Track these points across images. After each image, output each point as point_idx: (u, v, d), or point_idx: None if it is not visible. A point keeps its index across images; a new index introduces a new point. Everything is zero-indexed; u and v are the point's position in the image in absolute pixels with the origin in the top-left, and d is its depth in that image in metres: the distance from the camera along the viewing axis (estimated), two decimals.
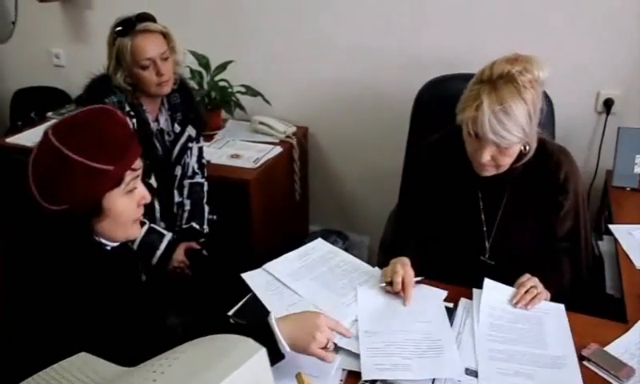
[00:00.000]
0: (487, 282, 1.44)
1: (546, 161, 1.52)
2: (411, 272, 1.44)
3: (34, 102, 2.95)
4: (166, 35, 1.85)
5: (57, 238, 1.08)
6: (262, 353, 0.72)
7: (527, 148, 1.45)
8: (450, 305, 1.43)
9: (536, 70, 1.36)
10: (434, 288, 1.47)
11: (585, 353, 1.28)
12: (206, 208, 2.07)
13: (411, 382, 1.19)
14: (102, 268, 1.12)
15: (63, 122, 1.10)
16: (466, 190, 1.56)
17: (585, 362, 1.27)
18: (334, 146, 2.71)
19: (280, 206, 2.52)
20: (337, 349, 1.27)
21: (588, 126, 2.21)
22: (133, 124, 1.82)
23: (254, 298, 1.45)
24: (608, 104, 2.16)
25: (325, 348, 1.19)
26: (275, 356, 1.14)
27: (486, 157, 1.40)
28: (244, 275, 1.52)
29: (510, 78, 1.34)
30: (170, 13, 2.05)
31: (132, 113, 1.82)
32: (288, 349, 1.15)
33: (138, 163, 1.14)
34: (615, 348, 1.31)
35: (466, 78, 1.46)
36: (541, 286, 1.42)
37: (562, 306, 1.41)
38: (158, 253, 1.87)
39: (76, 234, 1.09)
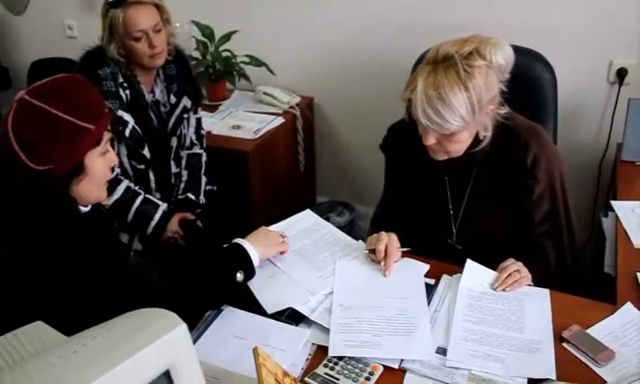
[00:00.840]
0: (469, 262, 1.40)
1: (513, 143, 1.44)
2: (396, 241, 1.42)
3: (49, 74, 3.00)
4: (159, 7, 1.83)
5: (39, 197, 1.11)
6: (183, 327, 0.72)
7: (482, 135, 1.38)
8: (432, 281, 1.41)
9: (489, 54, 1.28)
10: (416, 262, 1.45)
11: (565, 334, 1.24)
12: (204, 179, 2.08)
13: (379, 360, 1.19)
14: (79, 229, 1.16)
15: (40, 86, 1.14)
16: (433, 172, 1.51)
17: (564, 344, 1.23)
18: (341, 115, 2.67)
19: (283, 177, 2.51)
20: (308, 322, 1.28)
21: (599, 97, 2.11)
22: (126, 95, 1.83)
23: None
24: (621, 74, 2.05)
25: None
26: (250, 272, 1.34)
27: (430, 141, 1.34)
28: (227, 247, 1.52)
29: (452, 61, 1.26)
30: None
31: (125, 84, 1.83)
32: (258, 259, 1.35)
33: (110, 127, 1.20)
34: (599, 330, 1.26)
35: None
36: (525, 270, 1.37)
37: (546, 291, 1.36)
38: (153, 223, 1.89)
39: (57, 194, 1.13)
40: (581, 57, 2.02)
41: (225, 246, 1.38)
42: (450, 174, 1.50)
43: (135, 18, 1.77)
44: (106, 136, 1.18)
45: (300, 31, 2.55)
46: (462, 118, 1.27)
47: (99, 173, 1.18)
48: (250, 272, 1.34)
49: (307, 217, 1.63)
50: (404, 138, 1.52)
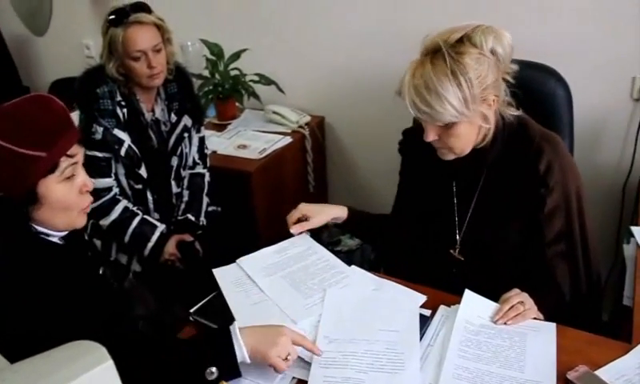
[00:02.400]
0: (467, 293, 1.30)
1: (526, 148, 1.35)
2: (302, 206, 1.51)
3: (68, 93, 3.04)
4: (160, 27, 1.82)
5: None
6: (109, 364, 0.66)
7: (486, 128, 1.32)
8: (428, 312, 1.31)
9: (479, 40, 1.22)
10: (412, 291, 1.36)
11: (570, 376, 1.13)
12: (205, 200, 2.04)
13: None
14: (43, 258, 1.11)
15: (1, 108, 1.09)
16: (442, 177, 1.44)
17: None
18: (352, 136, 2.60)
19: (291, 199, 2.44)
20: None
21: (622, 114, 1.97)
22: (123, 114, 1.81)
23: (220, 295, 1.39)
24: None
25: (285, 360, 1.12)
26: (231, 370, 1.10)
27: (430, 136, 1.30)
28: (215, 271, 1.47)
29: (440, 51, 1.22)
30: (185, 1, 2.02)
31: (123, 103, 1.82)
32: (247, 356, 1.10)
33: (75, 149, 1.12)
34: (609, 372, 1.14)
35: None
36: (530, 302, 1.26)
37: (553, 325, 1.25)
38: (150, 244, 1.86)
39: (13, 221, 1.08)
40: (599, 72, 1.90)
41: (215, 328, 1.23)
42: (458, 178, 1.43)
43: (135, 38, 1.76)
44: (66, 162, 1.09)
45: (311, 49, 2.51)
46: (454, 108, 1.22)
47: (61, 201, 1.10)
48: (231, 368, 1.10)
49: (302, 241, 1.56)
50: (416, 142, 1.46)
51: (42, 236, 1.13)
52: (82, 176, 1.14)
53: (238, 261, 1.48)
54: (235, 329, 1.12)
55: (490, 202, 1.39)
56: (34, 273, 1.06)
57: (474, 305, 1.28)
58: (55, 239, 1.16)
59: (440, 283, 1.35)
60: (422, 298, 1.33)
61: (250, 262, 1.48)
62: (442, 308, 1.32)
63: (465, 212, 1.43)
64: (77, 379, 0.63)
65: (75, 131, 1.12)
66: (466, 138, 1.31)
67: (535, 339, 1.21)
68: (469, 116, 1.25)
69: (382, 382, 1.12)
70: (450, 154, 1.34)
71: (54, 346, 0.83)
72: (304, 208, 1.52)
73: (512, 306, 1.25)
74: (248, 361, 1.10)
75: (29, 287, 1.04)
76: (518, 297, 1.26)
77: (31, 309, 1.03)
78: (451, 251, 1.45)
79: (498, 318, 1.24)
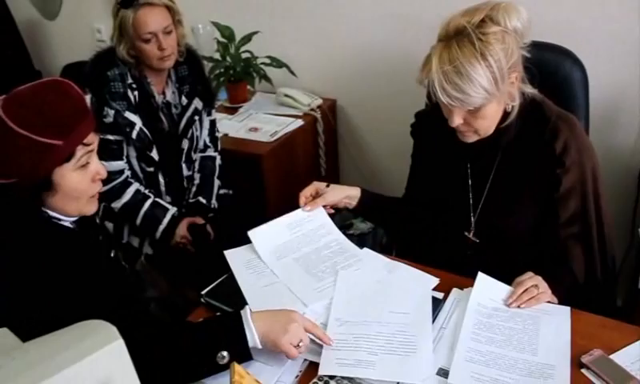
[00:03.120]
0: (480, 276, 1.28)
1: (542, 128, 1.32)
2: (314, 184, 1.50)
3: (79, 77, 3.04)
4: (170, 8, 1.80)
5: (7, 211, 1.08)
6: (119, 343, 0.66)
7: (510, 107, 1.29)
8: (440, 295, 1.30)
9: (502, 19, 1.19)
10: (425, 274, 1.35)
11: (584, 359, 1.12)
12: (217, 183, 2.03)
13: (373, 381, 1.09)
14: (55, 243, 1.11)
15: (15, 94, 1.08)
16: (456, 158, 1.42)
17: (583, 370, 1.10)
18: (364, 118, 2.57)
19: (302, 182, 2.42)
20: None
21: (638, 98, 1.92)
22: (134, 96, 1.81)
23: (232, 277, 1.39)
24: None
25: (297, 347, 1.12)
26: (243, 354, 1.09)
27: (457, 121, 1.27)
28: (227, 252, 1.47)
29: (465, 32, 1.18)
30: None
31: (134, 85, 1.81)
32: (259, 341, 1.10)
33: (91, 138, 1.11)
34: (624, 356, 1.13)
35: None
36: (544, 286, 1.24)
37: (567, 309, 1.23)
38: (161, 227, 1.86)
39: (26, 207, 1.08)
40: (616, 54, 1.85)
41: (226, 312, 1.24)
42: (472, 159, 1.41)
43: (145, 20, 1.75)
44: (82, 150, 1.08)
45: (322, 31, 2.48)
46: (485, 90, 1.19)
47: (75, 188, 1.10)
48: (242, 353, 1.09)
49: (317, 216, 1.52)
50: (430, 123, 1.46)
51: (54, 220, 1.13)
52: (95, 163, 1.14)
53: (249, 232, 1.46)
54: (247, 313, 1.11)
55: (506, 182, 1.38)
56: (47, 256, 1.07)
57: (486, 288, 1.27)
58: (67, 223, 1.16)
59: (454, 266, 1.34)
60: (435, 281, 1.33)
61: (262, 237, 1.46)
62: (454, 291, 1.31)
63: (480, 194, 1.41)
64: (87, 357, 0.63)
65: (92, 119, 1.11)
66: (492, 119, 1.29)
67: (549, 323, 1.20)
68: (498, 96, 1.23)
69: (394, 364, 1.12)
70: (474, 137, 1.32)
71: (66, 326, 0.84)
72: (317, 184, 1.51)
73: (526, 290, 1.24)
74: (259, 346, 1.10)
75: (41, 270, 1.04)
76: (532, 280, 1.25)
77: (43, 291, 1.04)
78: (466, 233, 1.43)
79: (512, 302, 1.23)
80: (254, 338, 1.09)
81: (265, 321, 1.12)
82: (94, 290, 1.11)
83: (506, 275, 1.28)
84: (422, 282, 1.32)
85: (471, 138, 1.32)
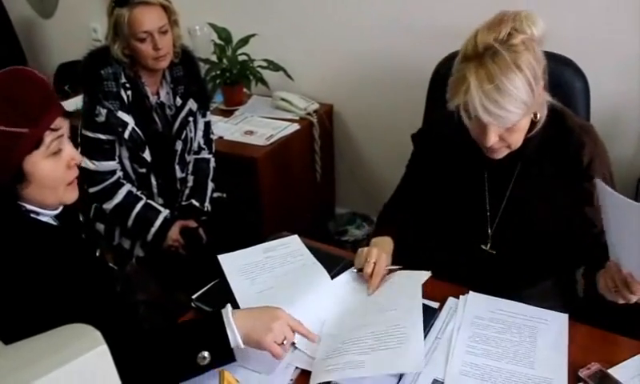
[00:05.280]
0: (472, 295, 1.26)
1: (566, 140, 1.30)
2: (385, 260, 1.32)
3: (73, 76, 3.02)
4: (166, 8, 1.78)
5: None
6: (103, 349, 0.63)
7: (538, 116, 1.26)
8: (436, 304, 1.28)
9: (528, 28, 1.16)
10: (414, 272, 1.32)
11: (582, 373, 1.09)
12: (210, 185, 2.00)
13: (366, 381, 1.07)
14: (34, 239, 1.07)
15: None
16: (472, 168, 1.38)
17: None
18: (360, 124, 2.56)
19: (297, 187, 2.42)
20: (293, 346, 1.16)
21: (638, 108, 1.91)
22: (128, 96, 1.78)
23: (223, 282, 1.36)
24: None
25: (281, 345, 1.09)
26: (224, 354, 1.06)
27: (492, 139, 1.22)
28: (220, 257, 1.44)
29: (495, 48, 1.14)
30: None
31: (127, 85, 1.78)
32: (240, 341, 1.06)
33: (60, 122, 1.07)
34: (623, 371, 1.10)
35: None
36: None
37: (565, 317, 1.21)
38: (153, 229, 1.83)
39: (1, 202, 1.04)
40: (619, 63, 1.84)
41: (209, 311, 1.20)
42: (491, 168, 1.37)
43: (141, 19, 1.72)
44: (51, 136, 1.04)
45: (320, 36, 2.46)
46: (524, 103, 1.16)
47: (49, 176, 1.06)
48: (224, 353, 1.06)
49: (292, 242, 1.49)
50: (446, 129, 1.40)
51: (33, 215, 1.09)
52: (68, 149, 1.09)
53: (219, 256, 1.43)
54: (228, 312, 1.08)
55: (526, 193, 1.34)
56: (27, 254, 1.03)
57: (482, 300, 1.25)
58: (47, 218, 1.12)
59: (469, 279, 1.31)
60: (426, 275, 1.30)
61: (229, 260, 1.42)
62: (450, 300, 1.29)
63: (498, 204, 1.37)
64: (70, 363, 0.61)
65: (58, 104, 1.08)
66: (524, 131, 1.26)
67: (546, 333, 1.18)
68: (533, 106, 1.21)
69: (385, 357, 1.09)
70: (505, 151, 1.27)
71: (48, 327, 0.81)
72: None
73: None
74: (242, 346, 1.07)
75: (21, 269, 1.01)
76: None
77: (24, 290, 1.00)
78: (482, 246, 1.39)
79: None
80: (235, 337, 1.06)
81: (247, 320, 1.09)
82: (76, 288, 1.07)
83: (524, 286, 1.27)
84: (411, 278, 1.30)
85: (502, 154, 1.28)
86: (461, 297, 1.28)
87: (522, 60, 1.14)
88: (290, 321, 1.12)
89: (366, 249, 1.34)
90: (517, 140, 1.26)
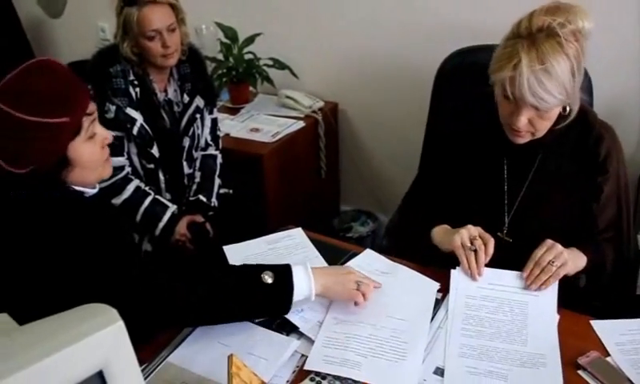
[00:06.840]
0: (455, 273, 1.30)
1: (586, 133, 1.34)
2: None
3: (82, 74, 3.05)
4: (174, 7, 1.81)
5: (33, 197, 1.09)
6: (119, 325, 0.66)
7: (568, 110, 1.29)
8: (439, 295, 1.30)
9: (580, 21, 1.19)
10: (427, 279, 1.33)
11: (581, 361, 1.11)
12: (217, 181, 2.03)
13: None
14: (85, 215, 1.13)
15: (5, 84, 1.08)
16: (491, 157, 1.40)
17: (579, 372, 1.10)
18: (365, 122, 2.58)
19: (302, 183, 2.45)
20: (299, 332, 1.20)
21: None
22: (136, 93, 1.81)
23: None
24: None
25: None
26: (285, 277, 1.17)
27: (523, 120, 1.24)
28: (226, 248, 1.47)
29: (551, 31, 1.17)
30: None
31: (136, 82, 1.81)
32: (314, 290, 1.17)
33: (92, 107, 1.14)
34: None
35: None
36: (562, 259, 1.23)
37: (554, 285, 1.24)
38: (161, 224, 1.86)
39: (50, 189, 1.11)
40: (621, 62, 1.85)
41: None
42: (510, 158, 1.39)
43: (149, 18, 1.76)
44: (87, 120, 1.11)
45: (325, 35, 2.49)
46: (566, 90, 1.19)
47: (90, 159, 1.13)
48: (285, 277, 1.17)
49: (296, 234, 1.52)
50: (464, 122, 1.45)
51: (78, 193, 1.16)
52: (99, 130, 1.16)
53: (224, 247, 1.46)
54: (307, 266, 1.19)
55: (543, 184, 1.37)
56: (78, 227, 1.09)
57: (487, 277, 1.28)
58: (87, 195, 1.19)
59: (484, 265, 1.31)
60: (436, 286, 1.31)
61: (237, 250, 1.45)
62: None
63: (516, 193, 1.39)
64: (86, 338, 0.63)
65: (86, 88, 1.14)
66: (552, 120, 1.28)
67: (536, 308, 1.22)
68: (570, 96, 1.23)
69: (380, 368, 1.11)
70: (528, 137, 1.30)
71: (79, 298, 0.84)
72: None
73: (542, 269, 1.23)
74: (313, 298, 1.18)
75: (73, 242, 1.07)
76: (549, 254, 1.24)
77: (71, 263, 1.07)
78: (499, 234, 1.40)
79: (530, 283, 1.24)
80: (307, 289, 1.18)
81: (325, 276, 1.21)
82: (121, 255, 1.13)
83: None
84: (425, 290, 1.30)
85: (525, 139, 1.30)
86: (452, 273, 1.30)
87: (570, 49, 1.17)
88: (359, 276, 1.25)
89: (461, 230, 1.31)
90: (544, 127, 1.28)
